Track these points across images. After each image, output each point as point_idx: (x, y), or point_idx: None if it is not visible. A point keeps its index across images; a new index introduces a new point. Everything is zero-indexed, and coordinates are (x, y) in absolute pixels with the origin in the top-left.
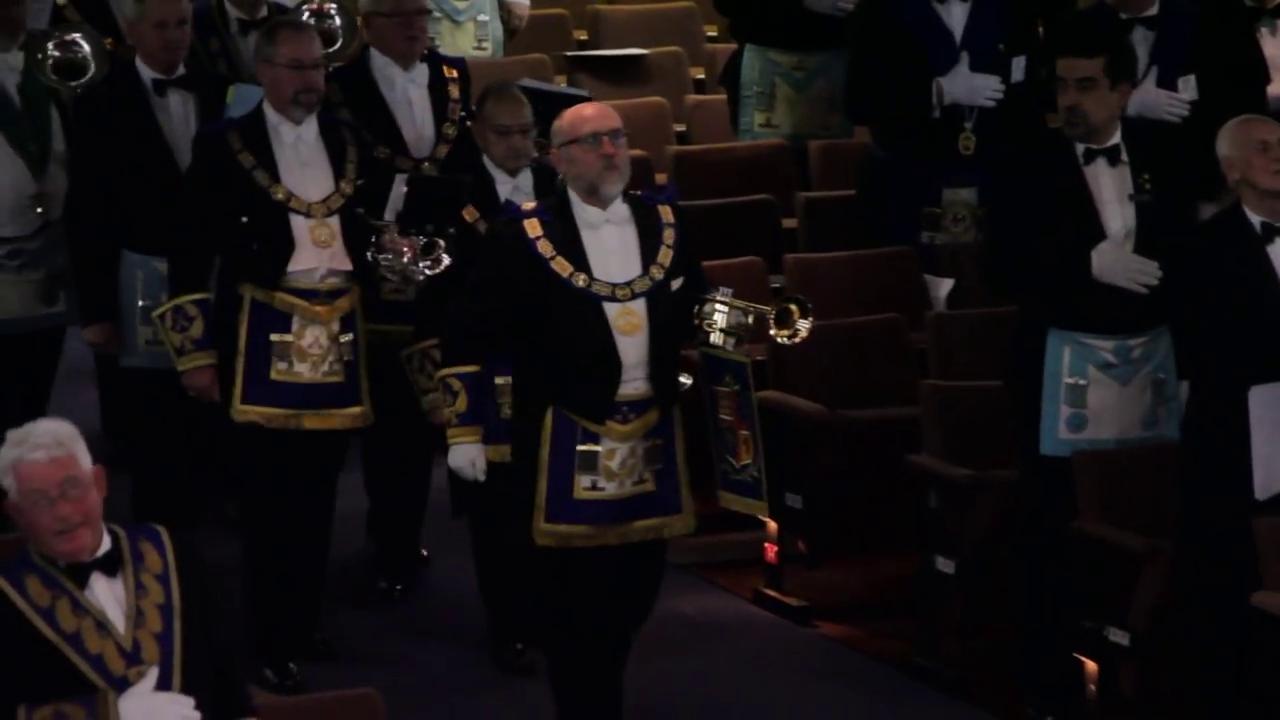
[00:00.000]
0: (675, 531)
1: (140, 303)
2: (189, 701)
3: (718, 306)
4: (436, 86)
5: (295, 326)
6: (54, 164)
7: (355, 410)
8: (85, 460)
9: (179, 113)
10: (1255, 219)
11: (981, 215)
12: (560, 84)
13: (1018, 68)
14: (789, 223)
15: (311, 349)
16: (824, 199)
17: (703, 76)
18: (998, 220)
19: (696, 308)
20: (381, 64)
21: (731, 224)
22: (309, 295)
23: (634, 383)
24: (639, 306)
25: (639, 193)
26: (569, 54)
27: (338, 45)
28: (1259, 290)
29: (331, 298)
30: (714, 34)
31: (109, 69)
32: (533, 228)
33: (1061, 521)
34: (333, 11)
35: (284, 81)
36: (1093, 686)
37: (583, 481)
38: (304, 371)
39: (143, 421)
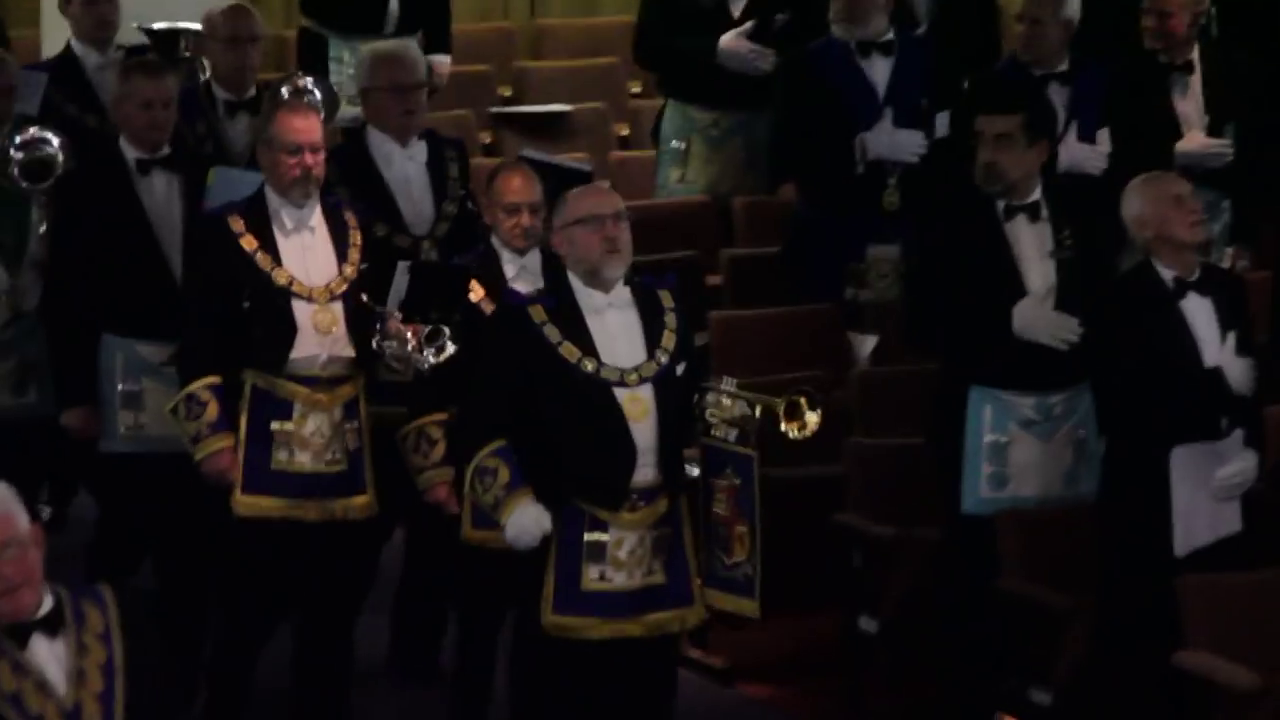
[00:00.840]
0: (689, 624)
1: (120, 387)
2: None
3: (722, 397)
4: (435, 164)
5: (296, 414)
6: (29, 260)
7: (360, 500)
8: (23, 519)
9: (162, 193)
10: (1167, 274)
11: (904, 271)
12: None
13: (941, 123)
14: (714, 279)
15: (313, 438)
16: (749, 256)
17: (627, 133)
18: (919, 276)
19: (698, 397)
20: (379, 140)
21: None
22: (310, 382)
23: (643, 470)
24: (646, 392)
25: (638, 278)
26: (493, 110)
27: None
28: (1173, 346)
29: (333, 385)
30: (638, 90)
31: (89, 152)
32: (537, 313)
33: (984, 580)
34: (310, 85)
35: (282, 165)
36: None
37: (591, 572)
38: (305, 461)
39: (113, 507)
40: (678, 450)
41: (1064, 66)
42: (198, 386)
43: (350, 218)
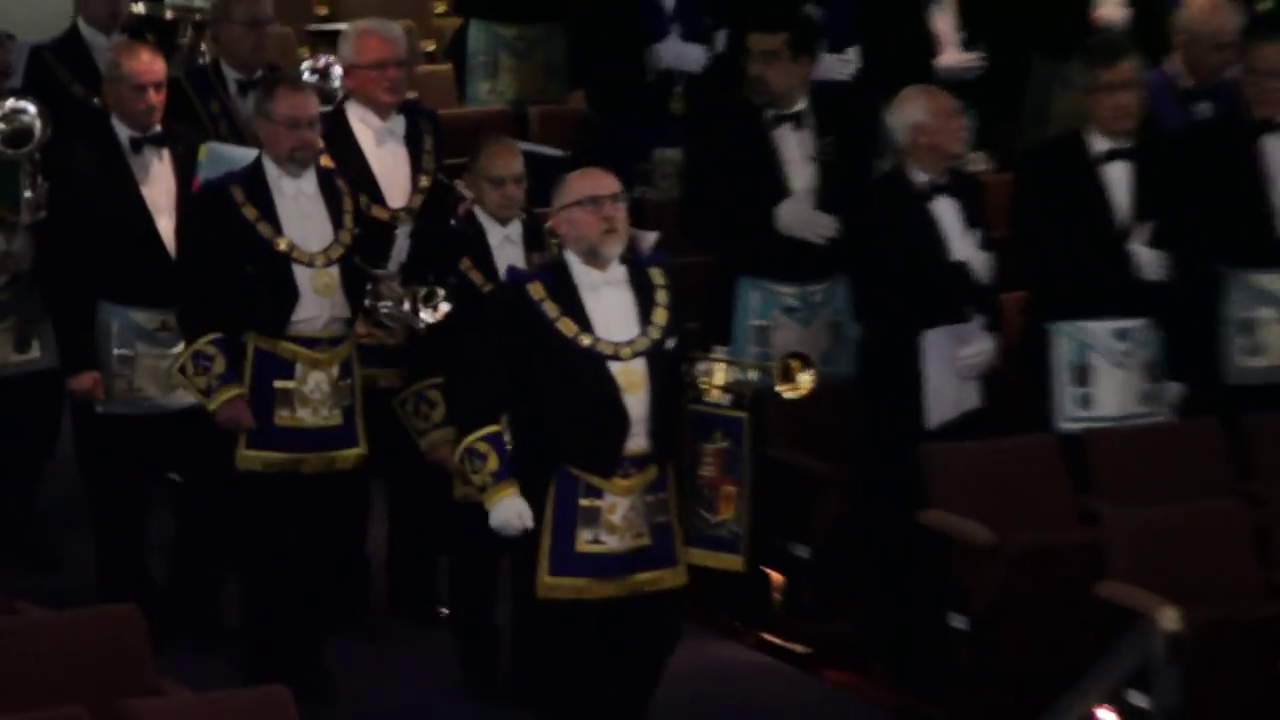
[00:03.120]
0: (671, 584)
1: (116, 351)
2: None
3: (715, 365)
4: (412, 137)
5: (298, 373)
6: (21, 225)
7: (354, 452)
8: None
9: (154, 169)
10: (920, 178)
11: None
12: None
13: (720, 40)
14: None
15: (313, 394)
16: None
17: (433, 48)
18: (694, 177)
19: (687, 366)
20: (360, 113)
21: None
22: (311, 343)
23: (636, 439)
24: (639, 365)
25: (631, 256)
26: (310, 28)
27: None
28: (924, 242)
29: (333, 344)
30: (442, 10)
31: (86, 128)
32: (536, 290)
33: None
34: (336, 73)
35: (280, 138)
36: (778, 596)
37: (585, 535)
38: (306, 416)
39: (110, 468)
40: (668, 420)
41: None
42: (202, 343)
43: (343, 185)
